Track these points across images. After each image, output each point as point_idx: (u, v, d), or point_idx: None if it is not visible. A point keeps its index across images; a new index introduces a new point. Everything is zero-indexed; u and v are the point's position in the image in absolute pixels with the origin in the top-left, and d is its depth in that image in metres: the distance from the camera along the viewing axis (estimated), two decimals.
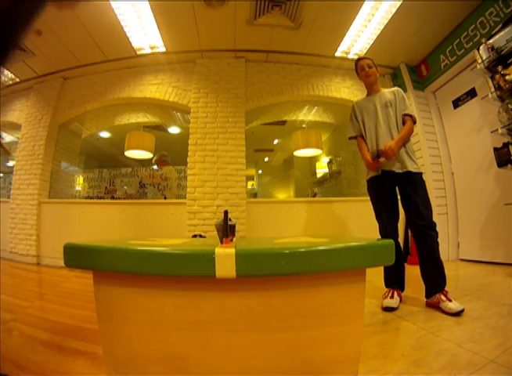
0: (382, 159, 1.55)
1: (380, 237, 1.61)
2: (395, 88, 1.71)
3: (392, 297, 1.48)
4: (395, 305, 1.43)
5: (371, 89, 1.73)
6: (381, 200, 1.63)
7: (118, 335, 0.68)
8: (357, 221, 3.01)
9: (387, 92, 1.69)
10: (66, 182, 3.71)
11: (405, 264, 1.69)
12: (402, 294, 1.57)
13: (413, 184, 1.53)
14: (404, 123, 1.60)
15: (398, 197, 1.62)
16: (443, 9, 2.54)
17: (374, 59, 1.74)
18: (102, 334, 0.70)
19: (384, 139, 1.57)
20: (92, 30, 2.80)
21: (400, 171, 1.53)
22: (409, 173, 1.52)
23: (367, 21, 2.76)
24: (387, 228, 1.58)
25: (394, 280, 1.57)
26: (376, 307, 1.47)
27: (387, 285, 1.58)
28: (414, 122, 1.62)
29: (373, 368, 0.86)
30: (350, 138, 1.78)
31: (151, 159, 3.85)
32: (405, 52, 3.16)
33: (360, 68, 1.72)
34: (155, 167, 3.75)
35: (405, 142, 1.56)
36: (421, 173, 1.56)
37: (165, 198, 3.40)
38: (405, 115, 1.61)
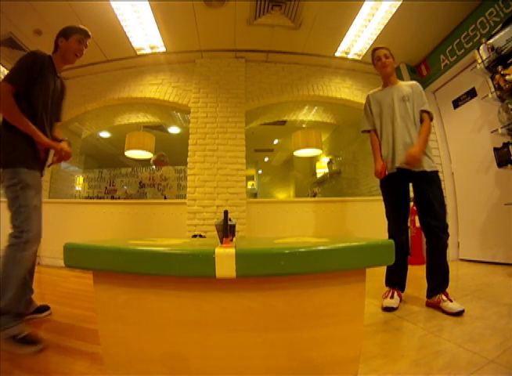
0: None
1: (387, 235, 1.59)
2: (413, 82, 1.66)
3: (392, 297, 1.48)
4: (395, 305, 1.43)
5: (388, 81, 1.66)
6: (393, 198, 1.60)
7: (118, 335, 0.68)
8: (357, 221, 3.00)
9: (405, 85, 1.63)
10: (66, 182, 3.72)
11: None
12: (402, 294, 1.57)
13: (430, 182, 1.49)
14: (421, 120, 1.55)
15: (411, 196, 1.59)
16: (443, 8, 2.54)
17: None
18: (102, 334, 0.70)
19: (400, 135, 1.53)
20: (92, 30, 2.74)
21: (416, 170, 1.49)
22: (426, 171, 1.49)
23: (367, 21, 2.76)
24: (397, 227, 1.57)
25: (396, 279, 1.56)
26: (377, 307, 1.47)
27: (387, 284, 1.58)
28: (431, 119, 1.57)
29: (373, 368, 0.86)
30: (363, 131, 1.73)
31: (150, 159, 3.86)
32: (405, 52, 3.16)
33: (376, 58, 1.65)
34: (153, 167, 3.75)
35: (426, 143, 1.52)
36: (437, 171, 1.52)
37: (165, 198, 3.40)
38: (422, 111, 1.56)
